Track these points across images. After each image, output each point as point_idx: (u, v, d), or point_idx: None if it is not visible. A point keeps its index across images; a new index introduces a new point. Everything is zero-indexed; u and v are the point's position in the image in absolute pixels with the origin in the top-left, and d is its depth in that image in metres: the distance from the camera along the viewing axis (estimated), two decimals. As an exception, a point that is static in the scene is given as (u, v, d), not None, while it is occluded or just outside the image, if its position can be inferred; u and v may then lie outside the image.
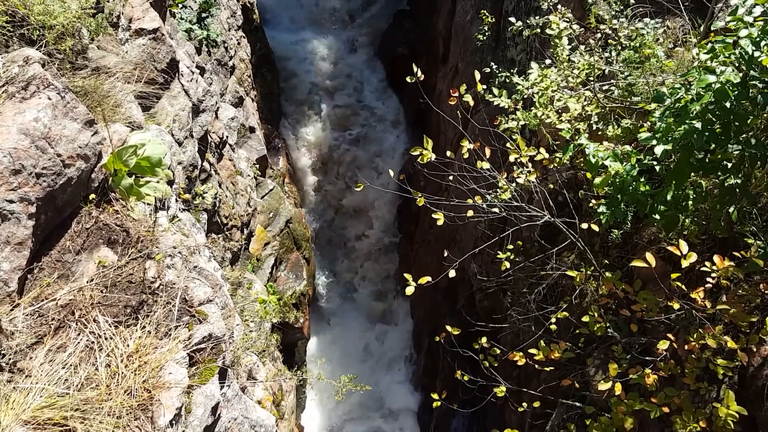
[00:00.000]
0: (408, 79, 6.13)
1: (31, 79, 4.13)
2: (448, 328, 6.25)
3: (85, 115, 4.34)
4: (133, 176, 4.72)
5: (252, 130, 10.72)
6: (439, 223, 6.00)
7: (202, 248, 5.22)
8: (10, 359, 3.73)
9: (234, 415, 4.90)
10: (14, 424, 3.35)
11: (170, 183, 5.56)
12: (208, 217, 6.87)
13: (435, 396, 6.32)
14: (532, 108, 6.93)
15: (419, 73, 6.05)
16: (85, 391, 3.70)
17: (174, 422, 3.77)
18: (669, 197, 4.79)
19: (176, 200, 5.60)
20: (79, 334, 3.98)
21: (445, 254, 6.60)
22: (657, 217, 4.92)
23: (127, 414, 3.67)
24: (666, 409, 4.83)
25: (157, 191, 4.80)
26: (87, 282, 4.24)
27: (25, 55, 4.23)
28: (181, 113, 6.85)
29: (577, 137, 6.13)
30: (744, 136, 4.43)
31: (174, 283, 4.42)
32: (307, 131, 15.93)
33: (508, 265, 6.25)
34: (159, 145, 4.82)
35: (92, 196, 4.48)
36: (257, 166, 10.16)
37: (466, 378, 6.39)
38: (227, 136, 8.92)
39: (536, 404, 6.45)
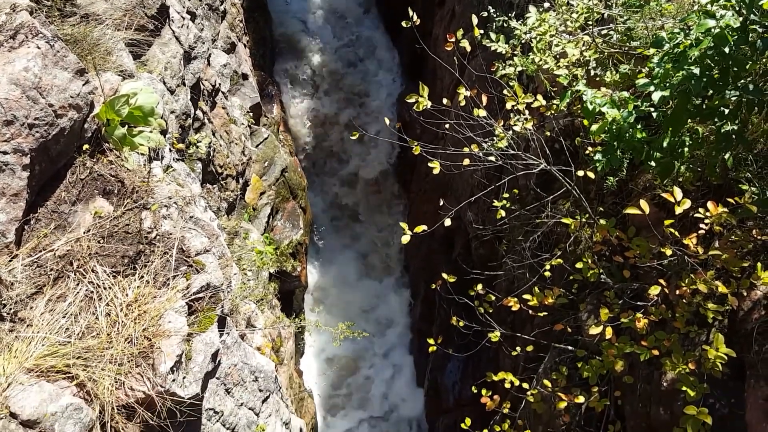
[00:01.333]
0: (404, 24, 6.02)
1: (19, 28, 4.04)
2: (444, 275, 6.33)
3: (75, 64, 4.27)
4: (126, 126, 4.68)
5: (245, 77, 10.57)
6: (435, 172, 6.00)
7: (197, 198, 5.22)
8: (10, 309, 3.78)
9: (234, 361, 5.00)
10: (18, 372, 3.42)
11: (163, 132, 5.51)
12: (203, 167, 6.85)
13: (431, 341, 6.45)
14: (530, 53, 6.84)
15: (415, 18, 5.93)
16: (86, 339, 3.77)
17: (175, 369, 3.85)
18: (665, 144, 4.78)
19: (170, 150, 5.56)
20: (78, 284, 4.02)
21: (441, 203, 6.62)
22: (652, 164, 4.93)
23: (129, 361, 3.74)
24: (656, 352, 4.94)
25: (150, 141, 4.77)
26: (84, 233, 4.25)
27: (12, 2, 4.13)
28: (173, 60, 6.74)
29: (574, 83, 6.07)
30: (742, 81, 4.39)
31: (170, 234, 4.44)
32: (300, 78, 15.71)
33: (503, 213, 6.28)
34: (151, 93, 4.77)
35: (86, 146, 4.45)
36: (251, 114, 10.06)
37: (461, 324, 6.51)
38: (220, 84, 8.80)
39: (529, 348, 6.59)
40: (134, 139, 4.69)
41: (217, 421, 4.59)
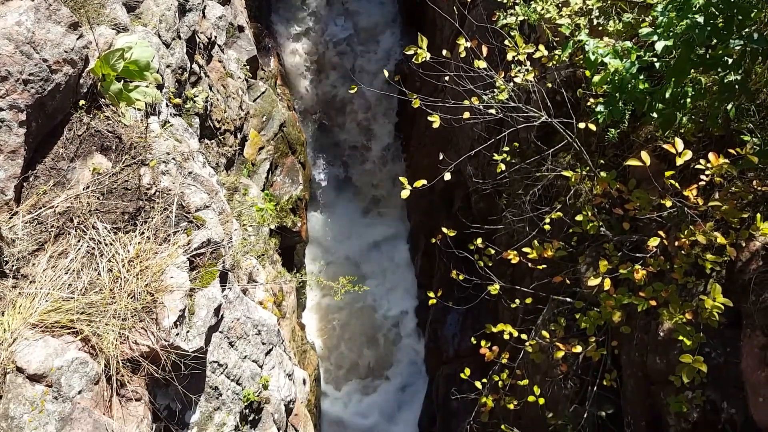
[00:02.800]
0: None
1: (7, -21, 3.95)
2: (444, 229, 6.35)
3: (68, 17, 4.18)
4: (122, 81, 4.62)
5: (241, 29, 10.37)
6: (435, 125, 5.95)
7: (195, 154, 5.19)
8: (13, 266, 3.80)
9: (237, 315, 5.06)
10: (22, 328, 3.47)
11: (160, 87, 5.44)
12: (200, 122, 6.79)
13: (431, 294, 6.51)
14: (532, 2, 6.69)
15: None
16: (89, 295, 3.80)
17: (178, 323, 3.90)
18: (667, 95, 4.73)
19: (167, 105, 5.51)
20: (79, 241, 4.04)
21: (441, 157, 6.59)
22: (655, 115, 4.88)
23: (132, 316, 3.79)
24: (653, 303, 4.98)
25: (146, 96, 4.72)
26: (83, 189, 4.25)
27: (-2, -48, 4.02)
28: (167, 13, 6.60)
29: (577, 33, 5.96)
30: (747, 30, 4.31)
31: (170, 190, 4.43)
32: (298, 29, 15.41)
33: (503, 167, 6.25)
34: (146, 47, 4.69)
35: (82, 102, 4.40)
36: (247, 67, 9.91)
37: (461, 277, 6.56)
38: (216, 36, 8.65)
39: (528, 300, 6.66)
40: (130, 94, 4.63)
41: (222, 373, 4.67)
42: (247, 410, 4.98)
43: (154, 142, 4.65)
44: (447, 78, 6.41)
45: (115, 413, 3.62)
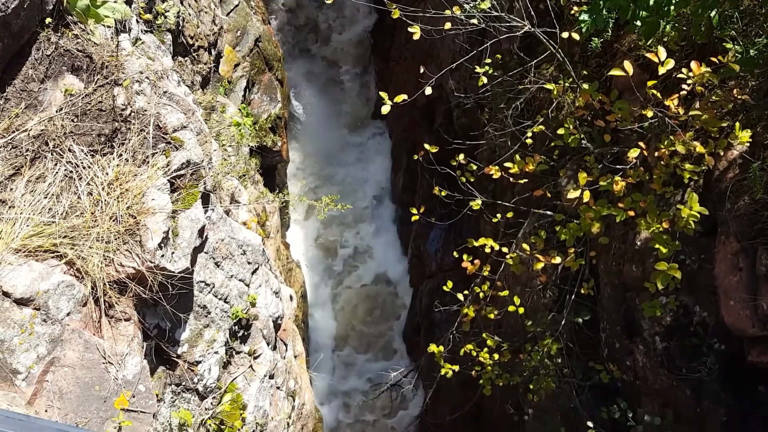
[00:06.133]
0: None
1: None
2: (426, 146, 6.32)
3: (22, -74, 3.93)
4: (88, -4, 4.41)
5: (210, -61, 9.83)
6: (416, 37, 5.80)
7: (170, 72, 5.04)
8: (-10, 191, 3.74)
9: (221, 236, 5.08)
10: (5, 253, 3.46)
11: (128, 2, 5.22)
12: (173, 39, 6.54)
13: (413, 210, 6.56)
14: None
15: None
16: (70, 219, 3.78)
17: (162, 245, 3.91)
18: (651, 2, 4.62)
19: (137, 21, 5.29)
20: (56, 164, 3.97)
21: (422, 71, 6.46)
22: (638, 23, 4.80)
23: (116, 239, 3.79)
24: (631, 213, 5.06)
25: (115, 12, 4.52)
26: (56, 111, 4.14)
27: None
28: None
29: (560, -62, 5.75)
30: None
31: (145, 110, 4.33)
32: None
33: (485, 80, 6.16)
34: (110, -41, 4.45)
35: (48, 20, 4.21)
36: (219, -20, 9.46)
37: (443, 194, 6.60)
38: (184, -52, 8.20)
39: (509, 215, 6.75)
40: (98, 10, 4.43)
41: (209, 292, 4.74)
42: (236, 327, 5.09)
43: (126, 60, 4.50)
44: (427, -12, 6.20)
45: (105, 333, 3.69)
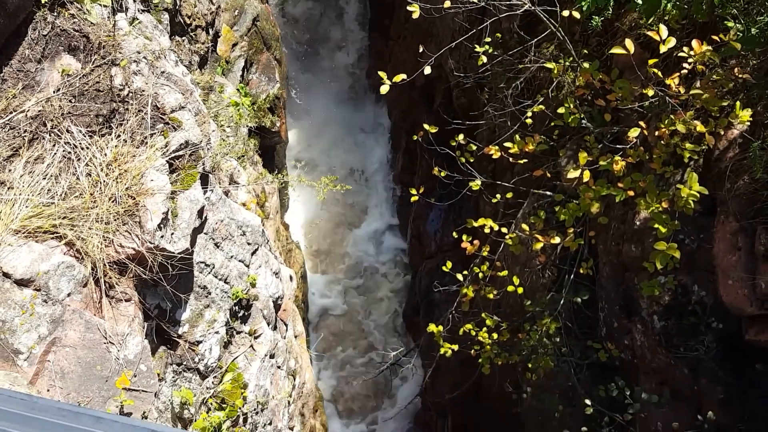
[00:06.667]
0: None
1: None
2: (426, 126, 6.29)
3: None
4: (83, -26, 4.36)
5: None
6: (415, 15, 5.75)
7: (167, 52, 5.01)
8: (-12, 172, 3.74)
9: (220, 217, 5.09)
10: (5, 234, 3.46)
11: (124, -19, 5.15)
12: (170, 18, 6.48)
13: (413, 191, 6.56)
14: None
15: None
16: (69, 200, 3.78)
17: (162, 226, 3.92)
18: (653, -20, 4.58)
19: (134, 1, 5.24)
20: (54, 145, 3.96)
21: (421, 50, 6.42)
22: (639, 1, 4.75)
23: (115, 220, 3.79)
24: (631, 193, 5.06)
25: (111, -9, 4.48)
26: (54, 92, 4.12)
27: None
28: None
29: None
30: None
31: (143, 90, 4.31)
32: None
33: (485, 59, 6.12)
34: (105, -63, 4.40)
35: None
36: (216, -42, 9.35)
37: (443, 174, 6.58)
38: (180, -75, 8.09)
39: (509, 195, 6.74)
40: (93, -11, 4.39)
41: (209, 273, 4.76)
42: (237, 307, 5.11)
43: (124, 40, 4.47)
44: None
45: (106, 313, 3.70)
